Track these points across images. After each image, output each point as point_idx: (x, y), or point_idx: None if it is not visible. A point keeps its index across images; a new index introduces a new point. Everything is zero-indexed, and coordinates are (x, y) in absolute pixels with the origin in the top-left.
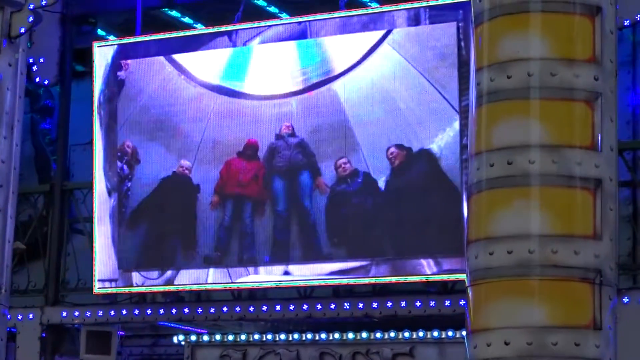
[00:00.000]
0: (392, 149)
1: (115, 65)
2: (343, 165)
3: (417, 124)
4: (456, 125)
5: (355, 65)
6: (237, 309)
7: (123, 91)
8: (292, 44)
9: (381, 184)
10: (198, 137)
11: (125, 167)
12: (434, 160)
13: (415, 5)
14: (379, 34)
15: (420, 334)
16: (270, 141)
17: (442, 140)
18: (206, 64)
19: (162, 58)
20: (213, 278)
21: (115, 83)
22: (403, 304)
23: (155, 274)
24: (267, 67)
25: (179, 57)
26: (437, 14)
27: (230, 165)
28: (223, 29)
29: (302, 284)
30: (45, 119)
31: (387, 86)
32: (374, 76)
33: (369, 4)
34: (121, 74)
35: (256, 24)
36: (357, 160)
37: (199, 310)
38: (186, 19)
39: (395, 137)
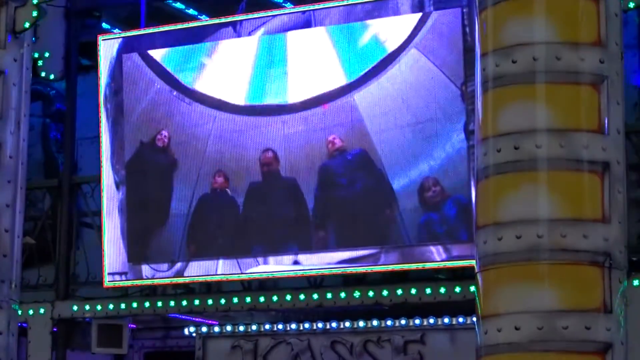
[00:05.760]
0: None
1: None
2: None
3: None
4: None
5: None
6: (248, 299)
7: None
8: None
9: None
10: None
11: None
12: None
13: None
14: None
15: (431, 320)
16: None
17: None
18: None
19: None
20: (223, 269)
21: (120, 75)
22: (413, 291)
23: (165, 266)
24: None
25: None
26: (441, 0)
27: None
28: (228, 19)
29: (312, 273)
30: (58, 126)
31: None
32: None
33: None
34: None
35: (261, 14)
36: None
37: (210, 301)
38: (190, 11)
39: None
